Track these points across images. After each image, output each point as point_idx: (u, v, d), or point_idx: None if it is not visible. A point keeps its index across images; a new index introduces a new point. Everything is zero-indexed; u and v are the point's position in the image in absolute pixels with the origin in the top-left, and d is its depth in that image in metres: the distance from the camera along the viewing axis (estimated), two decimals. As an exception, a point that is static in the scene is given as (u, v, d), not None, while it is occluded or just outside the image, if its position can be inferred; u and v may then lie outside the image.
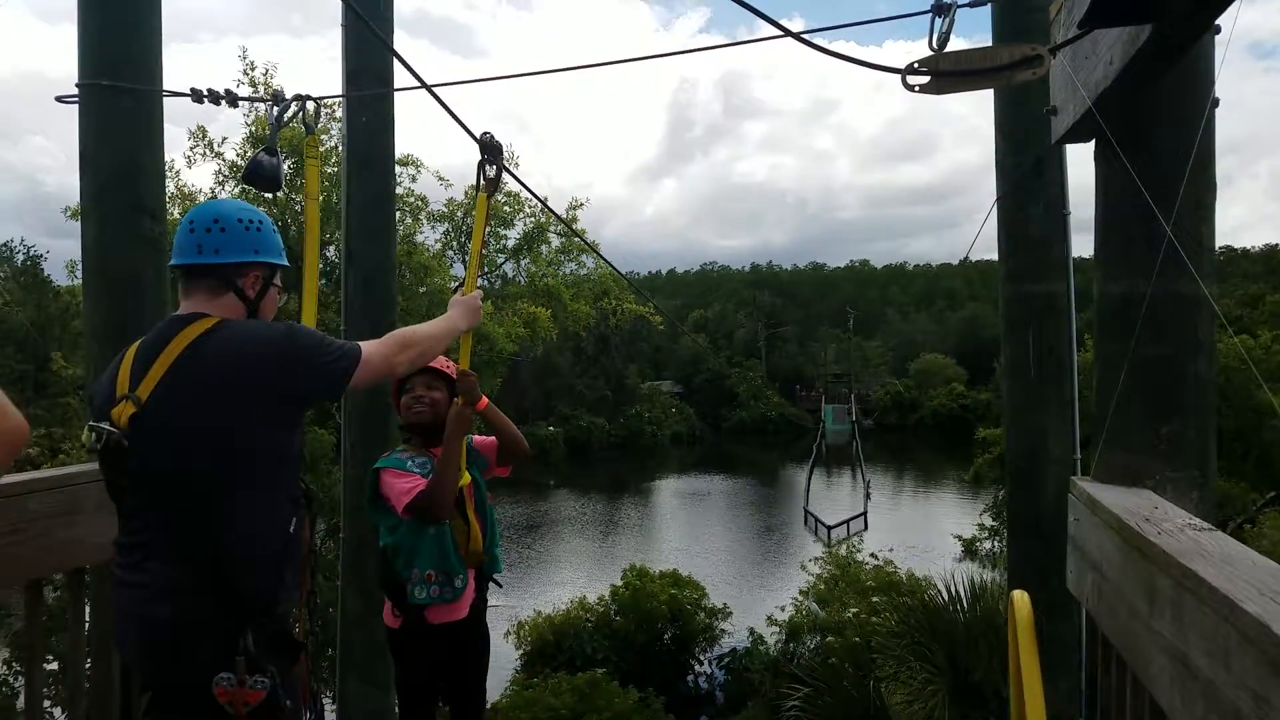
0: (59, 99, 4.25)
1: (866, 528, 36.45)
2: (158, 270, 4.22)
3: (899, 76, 2.38)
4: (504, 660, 17.22)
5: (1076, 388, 5.22)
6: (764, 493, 51.26)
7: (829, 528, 35.50)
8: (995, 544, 24.20)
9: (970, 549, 26.54)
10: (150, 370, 2.37)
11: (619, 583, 18.91)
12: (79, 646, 3.08)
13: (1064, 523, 2.75)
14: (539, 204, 22.83)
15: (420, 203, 24.40)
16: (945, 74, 2.38)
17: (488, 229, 3.93)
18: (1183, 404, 2.50)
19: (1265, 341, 25.83)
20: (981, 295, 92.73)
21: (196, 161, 21.67)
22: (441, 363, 3.73)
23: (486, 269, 26.20)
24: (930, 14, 2.40)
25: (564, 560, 33.94)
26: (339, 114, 13.10)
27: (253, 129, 19.82)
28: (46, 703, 3.11)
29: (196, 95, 4.26)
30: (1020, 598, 2.42)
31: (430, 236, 25.83)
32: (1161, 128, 2.47)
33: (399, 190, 19.55)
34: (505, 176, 3.59)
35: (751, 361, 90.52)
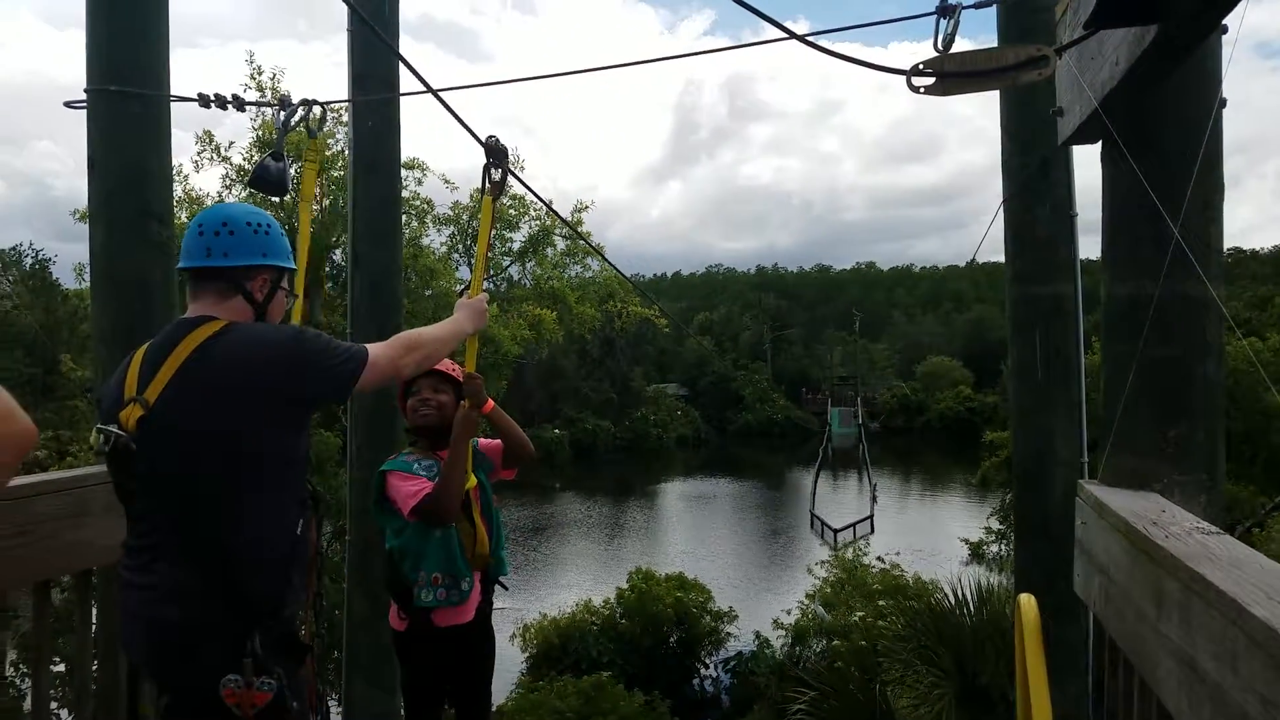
0: (67, 104, 4.27)
1: (873, 531, 36.43)
2: (165, 274, 4.23)
3: (904, 78, 2.38)
4: (509, 663, 17.21)
5: (1084, 390, 5.21)
6: (770, 496, 51.21)
7: (835, 531, 35.46)
8: (1002, 547, 24.14)
9: (977, 552, 26.49)
10: (158, 373, 2.38)
11: (624, 586, 18.91)
12: (86, 648, 3.09)
13: (1071, 525, 2.74)
14: (544, 207, 22.90)
15: (426, 206, 24.48)
16: (951, 75, 2.38)
17: (493, 232, 3.92)
18: (1191, 407, 2.50)
19: (1274, 344, 25.74)
20: (988, 297, 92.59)
21: (204, 166, 21.85)
22: (447, 366, 3.73)
23: (492, 272, 26.23)
24: (935, 15, 2.40)
25: (569, 563, 33.94)
26: (345, 118, 13.15)
27: (259, 133, 19.91)
28: (53, 704, 3.11)
29: (203, 100, 4.28)
30: (1027, 601, 2.42)
31: (436, 240, 25.97)
32: (1168, 128, 2.47)
33: (405, 194, 19.63)
34: (511, 180, 3.59)
35: (757, 364, 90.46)
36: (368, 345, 2.63)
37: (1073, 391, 5.17)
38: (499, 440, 3.88)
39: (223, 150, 21.60)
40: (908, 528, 37.66)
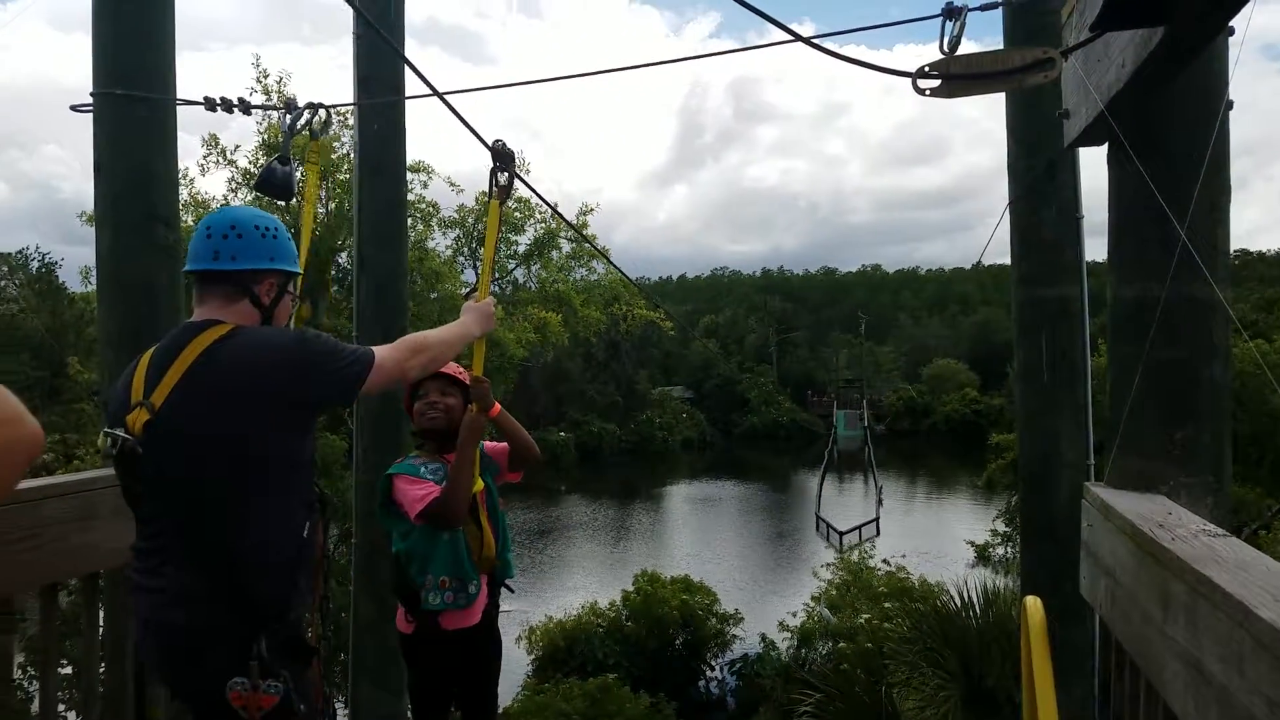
0: (74, 108, 4.28)
1: (879, 533, 36.39)
2: (172, 277, 4.24)
3: (910, 80, 2.38)
4: (515, 665, 17.22)
5: (1090, 392, 5.20)
6: (775, 498, 51.20)
7: (841, 533, 35.42)
8: (1008, 550, 24.09)
9: (983, 555, 26.43)
10: (164, 377, 2.38)
11: (630, 588, 18.92)
12: (93, 651, 3.09)
13: (1077, 527, 2.74)
14: (549, 210, 22.91)
15: (431, 209, 24.47)
16: (956, 77, 2.38)
17: (499, 235, 3.92)
18: (1197, 409, 2.49)
19: (1281, 346, 25.67)
20: (994, 300, 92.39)
21: (210, 169, 21.84)
22: (453, 369, 3.73)
23: (497, 275, 26.24)
24: (941, 17, 2.40)
25: (575, 565, 33.95)
26: (351, 121, 13.16)
27: (265, 136, 19.94)
28: (61, 707, 3.12)
29: (209, 104, 4.28)
30: (1033, 603, 2.42)
31: (441, 243, 25.94)
32: (1175, 130, 2.47)
33: (410, 196, 19.64)
34: (516, 183, 3.59)
35: (763, 367, 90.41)
36: (373, 348, 2.63)
37: (1079, 394, 5.17)
38: (504, 443, 3.89)
39: (228, 154, 21.64)
40: (913, 530, 37.62)
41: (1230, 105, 2.42)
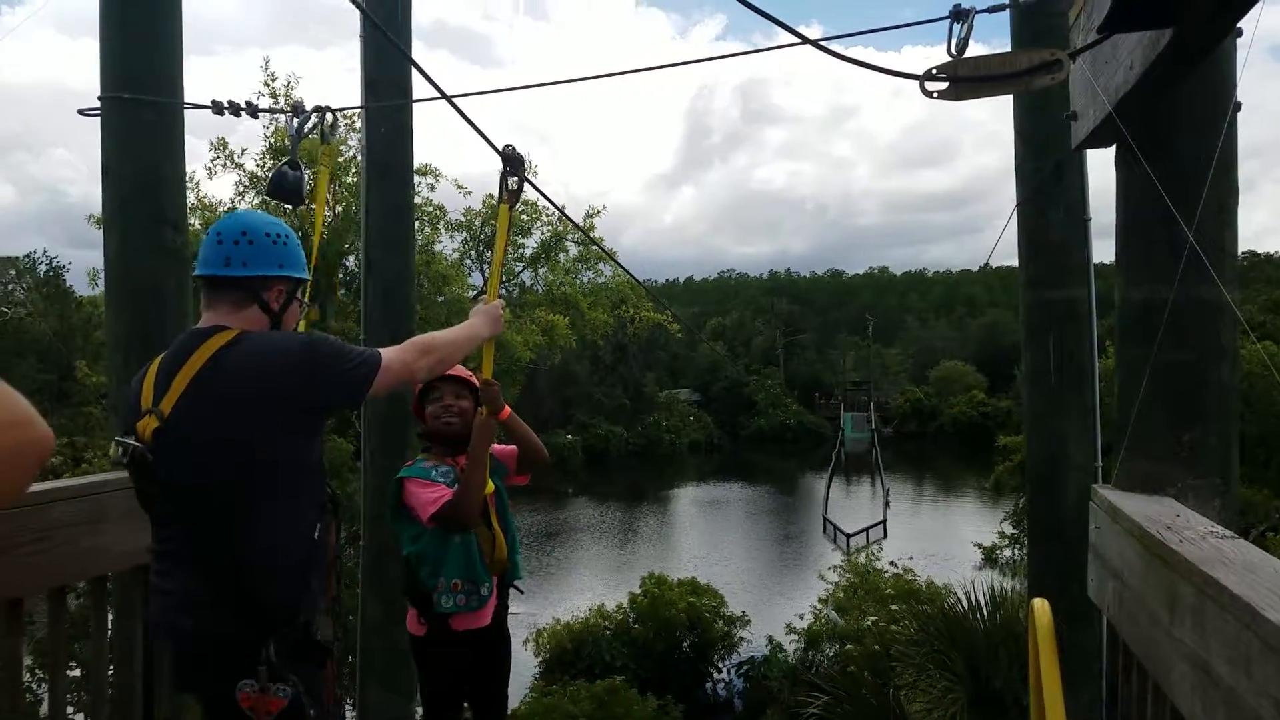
0: (81, 112, 4.30)
1: (886, 536, 36.29)
2: (179, 281, 4.26)
3: (918, 82, 2.38)
4: (523, 667, 17.18)
5: (1098, 394, 5.20)
6: (783, 501, 51.12)
7: (848, 536, 35.34)
8: (1015, 552, 24.05)
9: (990, 557, 26.40)
10: (173, 384, 2.39)
11: (638, 590, 18.89)
12: (102, 654, 3.09)
13: (1085, 529, 2.73)
14: (557, 212, 22.93)
15: (439, 212, 24.50)
16: (964, 79, 2.38)
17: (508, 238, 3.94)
18: (1205, 411, 2.49)
19: (1288, 347, 25.55)
20: (1002, 301, 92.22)
21: (217, 173, 21.88)
22: (461, 372, 3.74)
23: (504, 278, 26.25)
24: (949, 20, 2.40)
25: (583, 568, 33.93)
26: (358, 124, 13.19)
27: (273, 140, 19.97)
28: (69, 709, 3.13)
29: (217, 107, 4.30)
30: (1041, 605, 2.41)
31: (448, 246, 25.97)
32: (1182, 132, 2.46)
33: (417, 199, 19.65)
34: (525, 186, 3.59)
35: (770, 369, 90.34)
36: (381, 349, 2.63)
37: (1086, 396, 5.16)
38: (513, 446, 3.89)
39: (236, 157, 21.69)
40: (921, 532, 37.52)
41: (1238, 107, 2.41)
